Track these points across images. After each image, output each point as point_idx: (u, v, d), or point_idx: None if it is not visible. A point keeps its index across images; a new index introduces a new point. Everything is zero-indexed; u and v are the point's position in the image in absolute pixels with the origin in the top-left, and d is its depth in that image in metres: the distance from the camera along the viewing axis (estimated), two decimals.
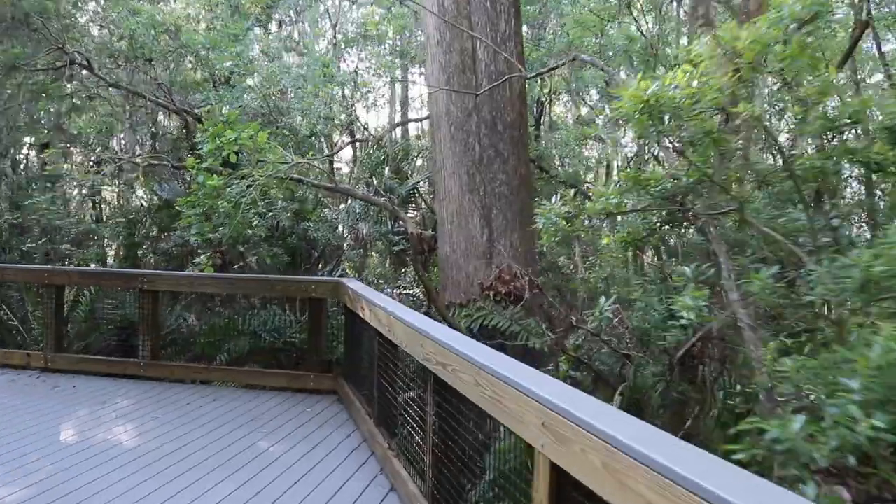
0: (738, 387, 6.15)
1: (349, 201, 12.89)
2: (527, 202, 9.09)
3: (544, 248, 10.14)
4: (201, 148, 7.13)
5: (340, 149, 10.11)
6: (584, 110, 19.54)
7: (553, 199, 4.77)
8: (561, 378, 6.02)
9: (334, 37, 17.01)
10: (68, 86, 12.46)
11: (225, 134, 6.71)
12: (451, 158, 8.81)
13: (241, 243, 7.97)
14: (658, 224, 4.06)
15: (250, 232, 7.38)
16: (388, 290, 14.43)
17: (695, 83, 3.54)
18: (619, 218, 5.04)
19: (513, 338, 8.20)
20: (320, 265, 10.79)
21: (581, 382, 5.90)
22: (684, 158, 3.73)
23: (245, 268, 8.02)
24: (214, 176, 7.14)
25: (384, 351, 5.13)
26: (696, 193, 3.79)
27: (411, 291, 15.23)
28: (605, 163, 17.77)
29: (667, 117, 3.55)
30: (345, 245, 12.44)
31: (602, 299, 4.64)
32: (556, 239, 4.64)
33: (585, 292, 9.70)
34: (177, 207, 7.03)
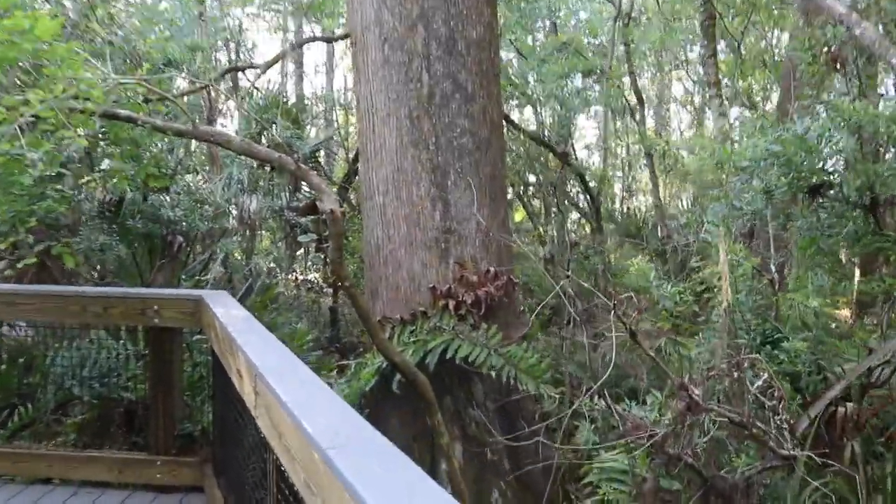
0: None
1: (235, 165, 9.51)
2: (499, 161, 6.15)
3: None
4: None
5: (210, 83, 6.80)
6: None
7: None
8: (644, 489, 3.21)
9: None
10: None
11: None
12: (385, 94, 5.73)
13: (38, 229, 4.64)
14: None
15: (37, 209, 4.11)
16: (284, 277, 11.52)
17: None
18: None
19: (493, 375, 5.36)
20: (188, 257, 7.50)
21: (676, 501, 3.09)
22: None
23: (42, 270, 4.73)
24: None
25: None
26: None
27: (309, 276, 12.48)
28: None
29: None
30: (228, 225, 9.11)
31: None
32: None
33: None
34: None
